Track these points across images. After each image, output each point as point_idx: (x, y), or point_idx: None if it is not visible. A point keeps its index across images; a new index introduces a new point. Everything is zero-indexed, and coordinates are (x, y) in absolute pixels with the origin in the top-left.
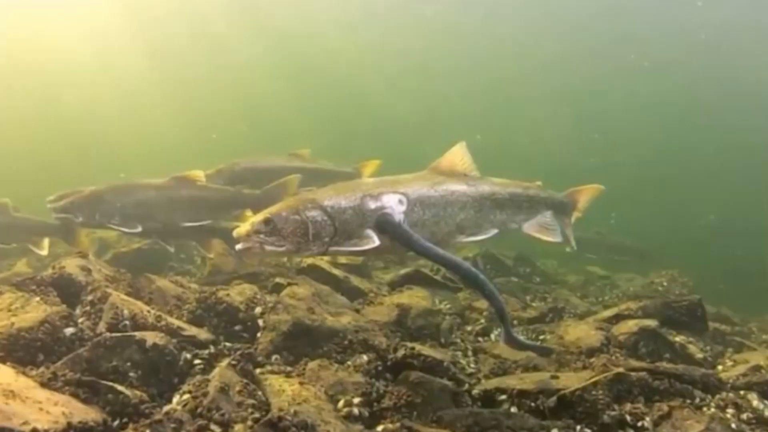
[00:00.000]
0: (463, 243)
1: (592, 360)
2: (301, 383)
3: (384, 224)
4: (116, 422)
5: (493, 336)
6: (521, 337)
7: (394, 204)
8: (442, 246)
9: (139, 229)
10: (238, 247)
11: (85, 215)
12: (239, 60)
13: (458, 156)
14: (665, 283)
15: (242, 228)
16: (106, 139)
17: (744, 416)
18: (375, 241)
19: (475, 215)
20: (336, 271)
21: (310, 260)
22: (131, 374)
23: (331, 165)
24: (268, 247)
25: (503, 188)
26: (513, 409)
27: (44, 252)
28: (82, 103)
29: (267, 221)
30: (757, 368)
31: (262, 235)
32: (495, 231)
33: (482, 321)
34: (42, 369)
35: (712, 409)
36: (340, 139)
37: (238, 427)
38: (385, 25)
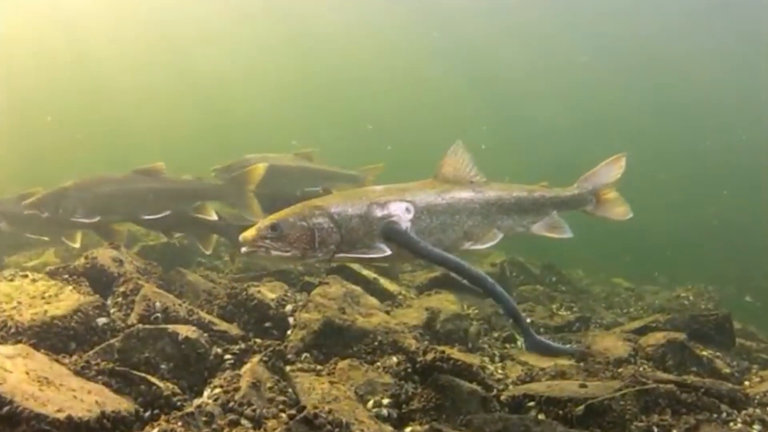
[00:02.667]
0: (470, 250)
1: (620, 370)
2: (331, 382)
3: (390, 232)
4: (148, 413)
5: (519, 343)
6: (547, 340)
7: (401, 212)
8: (449, 253)
9: (98, 218)
10: (244, 250)
11: (51, 210)
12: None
13: (459, 158)
14: (691, 297)
15: (248, 232)
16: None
17: None
18: (382, 249)
19: (483, 222)
20: (365, 272)
21: None
22: (163, 366)
23: (336, 167)
24: (274, 253)
25: (509, 193)
26: (541, 416)
27: (76, 245)
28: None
29: (274, 227)
30: None
31: (268, 241)
32: (501, 236)
33: (509, 327)
34: (75, 357)
35: (739, 425)
36: (340, 140)
37: (270, 423)
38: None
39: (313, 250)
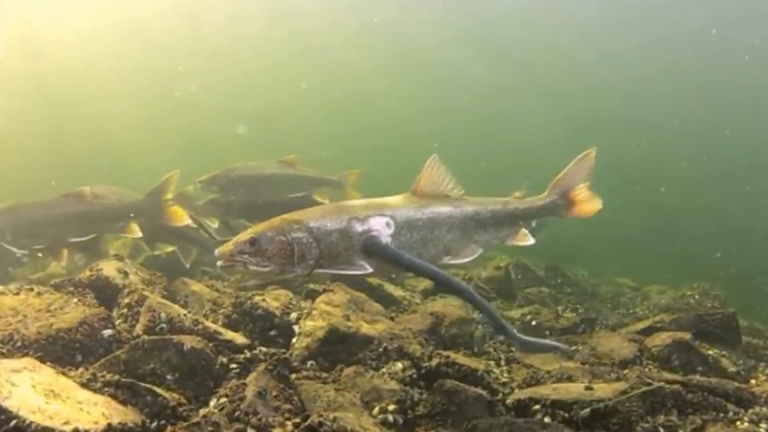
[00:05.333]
0: (448, 264)
1: (625, 371)
2: (336, 389)
3: (371, 247)
4: (154, 424)
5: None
6: (532, 339)
7: (381, 227)
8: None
9: (27, 251)
10: (220, 264)
11: None
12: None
13: (435, 172)
14: (697, 296)
15: (225, 246)
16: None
17: None
18: (363, 266)
19: (461, 236)
20: (370, 279)
21: None
22: (168, 377)
23: (318, 172)
24: (251, 267)
25: (484, 207)
26: (547, 420)
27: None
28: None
29: (252, 241)
30: None
31: (246, 255)
32: (481, 251)
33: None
34: (81, 370)
35: (746, 424)
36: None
37: (276, 431)
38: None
39: (292, 265)
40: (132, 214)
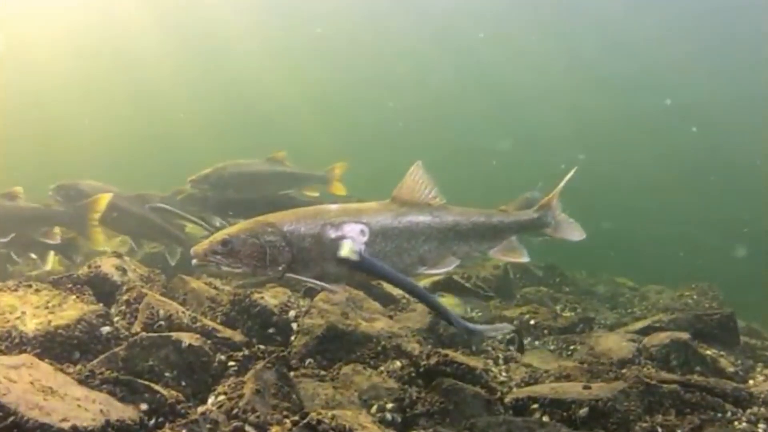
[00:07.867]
0: (424, 274)
1: (623, 371)
2: (334, 387)
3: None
4: (152, 421)
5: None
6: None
7: (355, 234)
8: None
9: None
10: (194, 263)
11: None
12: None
13: (418, 180)
14: (695, 296)
15: (200, 246)
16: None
17: None
18: (337, 276)
19: (438, 247)
20: None
21: None
22: (167, 374)
23: (305, 169)
24: (224, 268)
25: (466, 218)
26: (545, 419)
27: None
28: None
29: (225, 242)
30: None
31: (218, 256)
32: (457, 262)
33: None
34: (79, 367)
35: (744, 424)
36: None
37: (274, 429)
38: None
39: (264, 268)
40: (55, 222)
